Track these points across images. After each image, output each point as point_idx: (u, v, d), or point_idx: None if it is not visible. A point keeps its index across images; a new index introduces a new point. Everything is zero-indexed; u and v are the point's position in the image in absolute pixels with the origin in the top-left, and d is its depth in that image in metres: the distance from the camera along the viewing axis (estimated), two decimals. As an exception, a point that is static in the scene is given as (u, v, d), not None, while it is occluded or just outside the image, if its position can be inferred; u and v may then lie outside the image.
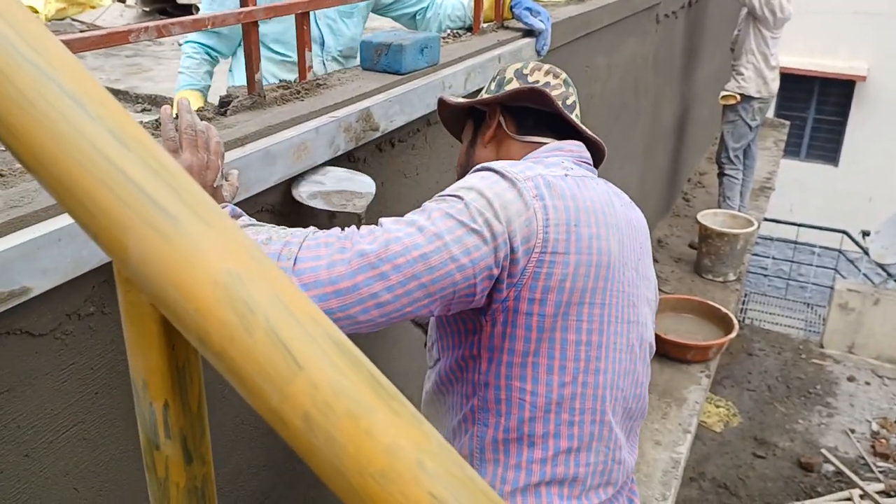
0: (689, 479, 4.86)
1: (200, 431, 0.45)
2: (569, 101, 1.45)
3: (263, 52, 2.34)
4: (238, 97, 1.53)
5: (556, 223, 1.15)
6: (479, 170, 1.21)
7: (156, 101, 4.23)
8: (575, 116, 1.44)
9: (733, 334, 3.76)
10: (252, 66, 1.48)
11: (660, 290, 4.46)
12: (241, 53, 2.42)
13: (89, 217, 0.37)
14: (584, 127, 1.42)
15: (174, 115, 1.17)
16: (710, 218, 4.64)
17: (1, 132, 0.38)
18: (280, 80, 1.80)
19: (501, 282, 1.14)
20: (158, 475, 0.45)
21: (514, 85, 1.45)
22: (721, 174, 5.28)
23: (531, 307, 1.17)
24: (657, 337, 3.54)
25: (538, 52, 2.29)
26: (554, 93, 1.42)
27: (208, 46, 2.26)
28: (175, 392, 0.43)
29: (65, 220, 1.01)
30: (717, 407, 5.58)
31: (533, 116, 1.42)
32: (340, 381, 0.36)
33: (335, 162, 1.55)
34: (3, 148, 0.38)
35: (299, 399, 0.36)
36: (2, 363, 0.99)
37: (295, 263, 1.05)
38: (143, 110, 4.14)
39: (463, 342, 1.26)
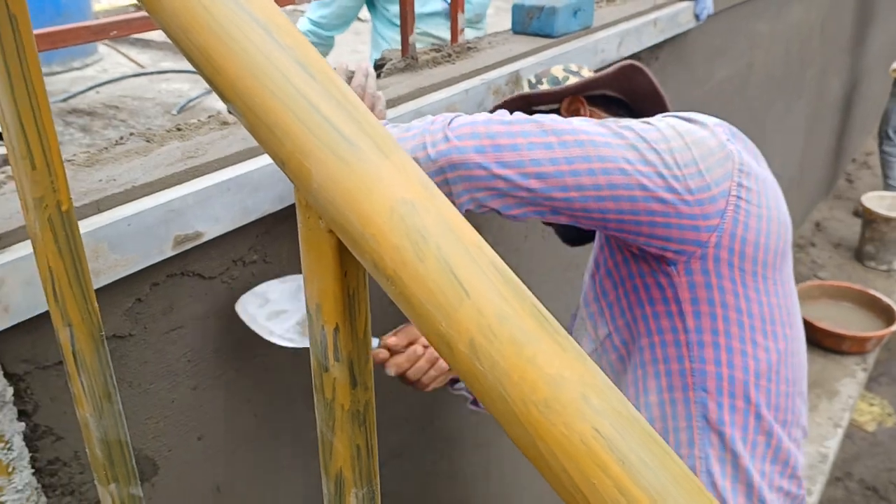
0: (835, 479, 4.57)
1: (365, 358, 0.47)
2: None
3: (385, 21, 2.39)
4: (392, 60, 1.57)
5: (747, 171, 1.07)
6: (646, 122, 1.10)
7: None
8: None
9: (895, 327, 3.48)
10: (406, 28, 1.51)
11: (816, 276, 4.19)
12: (375, 34, 2.49)
13: (278, 143, 0.39)
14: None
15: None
16: (876, 201, 4.28)
17: (203, 66, 0.41)
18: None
19: (698, 227, 1.03)
20: (326, 396, 0.48)
21: (572, 80, 1.31)
22: (880, 151, 4.86)
23: (732, 258, 1.07)
24: (809, 324, 3.34)
25: (697, 17, 2.19)
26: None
27: (320, 25, 2.36)
28: (345, 317, 0.45)
29: (233, 171, 1.08)
30: (871, 405, 5.19)
31: (614, 103, 1.30)
32: (505, 309, 0.37)
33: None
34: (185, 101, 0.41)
35: (465, 325, 0.37)
36: (176, 302, 1.08)
37: (450, 123, 1.00)
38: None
39: (653, 299, 1.13)
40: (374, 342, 1.16)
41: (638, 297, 1.16)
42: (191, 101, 3.87)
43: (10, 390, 0.87)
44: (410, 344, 1.19)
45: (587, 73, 1.35)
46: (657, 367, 1.16)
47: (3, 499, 0.89)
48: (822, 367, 3.45)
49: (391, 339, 1.18)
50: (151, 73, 4.67)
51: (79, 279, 0.62)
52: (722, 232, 1.05)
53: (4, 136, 0.58)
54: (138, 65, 4.91)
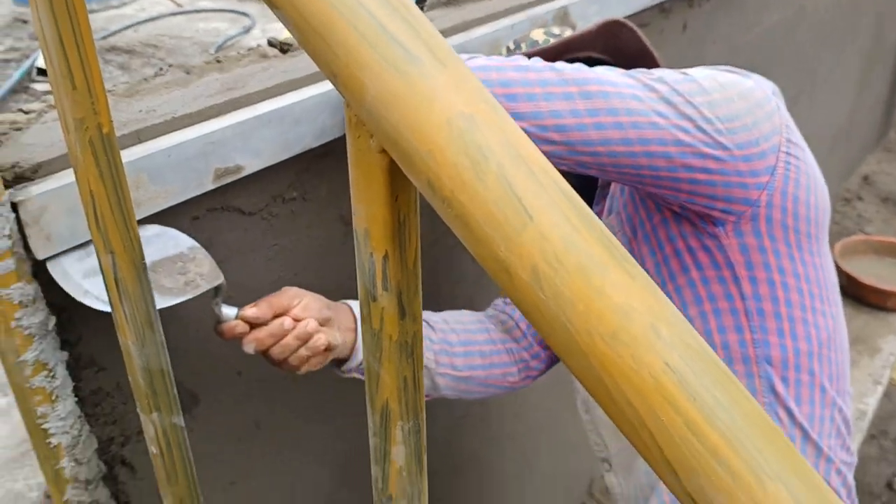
0: (870, 436, 4.53)
1: (414, 288, 0.45)
2: None
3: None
4: (435, -6, 1.51)
5: (792, 128, 1.01)
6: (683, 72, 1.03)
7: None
8: None
9: (944, 284, 3.38)
10: (451, -39, 1.46)
11: (862, 231, 4.08)
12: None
13: (331, 55, 0.37)
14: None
15: None
16: (931, 154, 4.12)
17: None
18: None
19: (746, 184, 0.96)
20: (373, 326, 0.46)
21: (550, 41, 1.20)
22: None
23: (785, 218, 1.00)
24: (853, 279, 3.26)
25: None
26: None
27: None
28: (395, 244, 0.43)
29: (274, 103, 1.06)
30: (912, 364, 5.11)
31: (601, 66, 1.21)
32: (572, 235, 0.34)
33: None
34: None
35: (528, 250, 0.34)
36: (217, 236, 1.07)
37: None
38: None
39: (701, 264, 1.05)
40: (232, 312, 0.98)
41: (682, 261, 1.06)
42: (229, 39, 3.84)
43: (53, 319, 0.87)
44: (277, 317, 1.01)
45: (567, 33, 1.24)
46: (712, 339, 1.07)
47: (47, 426, 0.90)
48: (865, 323, 3.38)
49: (250, 311, 0.99)
50: (189, 11, 4.64)
51: (120, 205, 0.61)
52: (773, 190, 0.98)
53: (44, 54, 0.56)
54: (176, 3, 4.87)
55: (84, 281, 0.85)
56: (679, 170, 0.92)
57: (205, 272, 0.94)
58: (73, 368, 0.95)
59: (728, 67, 1.03)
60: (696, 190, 0.96)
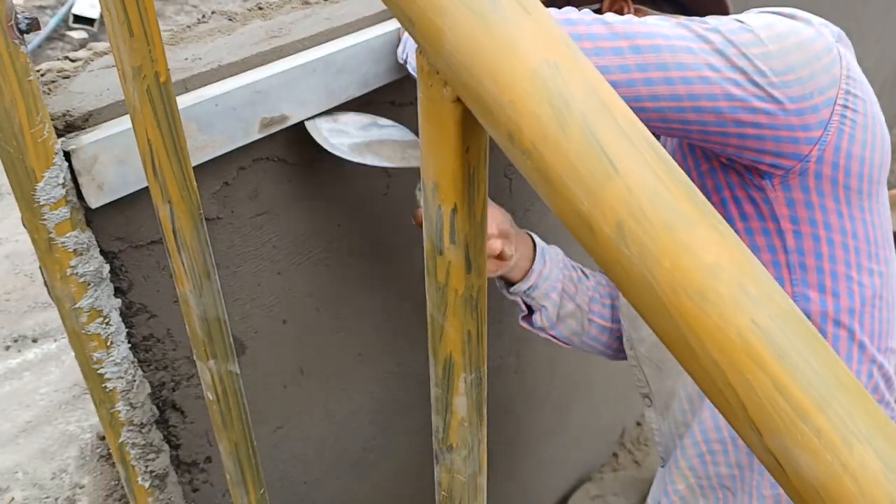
0: None
1: (481, 242, 0.45)
2: None
3: None
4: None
5: (854, 77, 0.97)
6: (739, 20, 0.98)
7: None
8: None
9: None
10: None
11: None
12: None
13: (410, 1, 0.35)
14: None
15: None
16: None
17: None
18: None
19: (797, 138, 0.94)
20: (438, 280, 0.45)
21: None
22: None
23: (836, 174, 0.97)
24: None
25: None
26: None
27: None
28: (464, 196, 0.42)
29: (318, 52, 1.04)
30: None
31: (665, 1, 1.14)
32: (658, 189, 0.33)
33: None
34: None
35: (612, 204, 0.33)
36: (262, 187, 1.07)
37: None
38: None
39: (746, 214, 1.03)
40: None
41: (728, 211, 1.05)
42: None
43: (107, 267, 0.89)
44: None
45: None
46: None
47: (102, 371, 0.92)
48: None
49: None
50: (220, -42, 4.58)
51: (177, 154, 0.61)
52: (825, 145, 0.95)
53: (101, 1, 0.55)
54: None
55: (328, 135, 1.05)
56: (728, 124, 0.90)
57: (419, 155, 1.04)
58: (126, 315, 0.96)
59: (792, 11, 0.98)
60: (744, 144, 0.93)
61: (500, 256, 1.14)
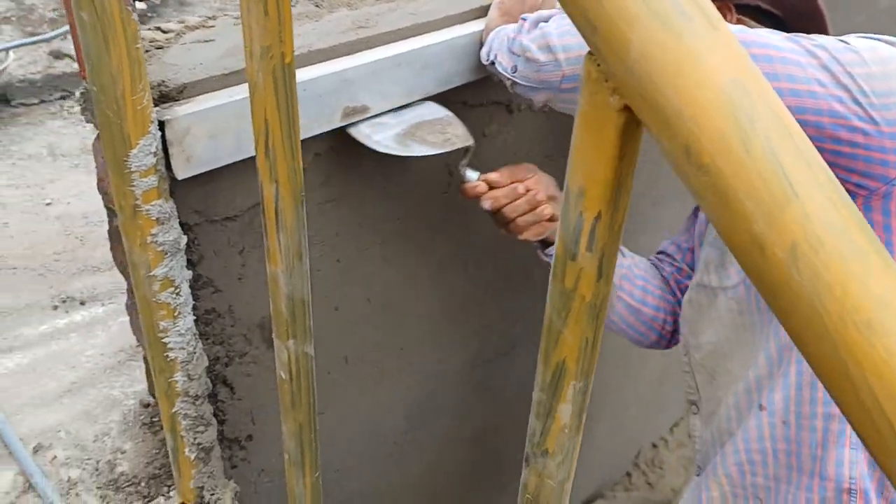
0: None
1: (614, 251, 0.45)
2: None
3: None
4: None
5: None
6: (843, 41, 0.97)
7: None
8: None
9: None
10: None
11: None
12: None
13: (594, 4, 0.36)
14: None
15: None
16: None
17: None
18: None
19: (887, 161, 0.94)
20: (566, 285, 0.46)
21: None
22: None
23: None
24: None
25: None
26: None
27: None
28: (609, 205, 0.42)
29: (404, 46, 1.05)
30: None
31: (767, 17, 1.15)
32: (833, 217, 0.33)
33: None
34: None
35: (790, 227, 0.33)
36: (332, 174, 1.08)
37: None
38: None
39: None
40: (475, 175, 1.11)
41: None
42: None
43: (185, 239, 0.90)
44: (513, 183, 1.13)
45: None
46: None
47: (167, 340, 0.93)
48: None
49: (493, 175, 1.12)
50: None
51: (290, 136, 0.62)
52: None
53: (241, -23, 0.56)
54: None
55: (372, 133, 1.05)
56: (826, 140, 0.92)
57: (459, 134, 1.10)
58: (193, 288, 0.97)
59: (888, 38, 0.99)
60: (835, 161, 0.95)
61: (551, 219, 1.16)
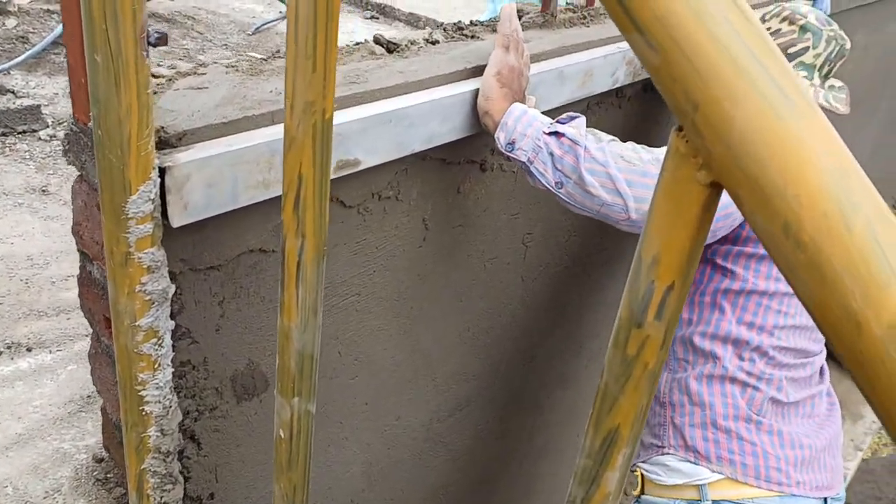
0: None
1: (677, 319, 0.46)
2: (793, 49, 1.35)
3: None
4: (528, 13, 1.53)
5: None
6: None
7: (384, 11, 4.34)
8: (813, 69, 1.33)
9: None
10: (552, -16, 1.47)
11: None
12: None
13: (698, 83, 0.37)
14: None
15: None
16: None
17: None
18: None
19: None
20: (628, 352, 0.46)
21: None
22: None
23: None
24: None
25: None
26: (778, 41, 1.33)
27: None
28: (682, 275, 0.43)
29: (394, 103, 1.06)
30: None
31: None
32: (928, 300, 0.35)
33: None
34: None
35: (889, 307, 0.35)
36: (315, 224, 1.07)
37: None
38: (372, 18, 4.27)
39: None
40: None
41: None
42: (266, 23, 3.81)
43: (173, 288, 0.86)
44: None
45: (775, 25, 1.41)
46: None
47: (144, 393, 0.88)
48: (849, 388, 3.45)
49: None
50: (221, -12, 4.60)
51: (322, 191, 0.61)
52: None
53: (291, 31, 0.56)
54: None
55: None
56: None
57: None
58: (172, 338, 0.93)
59: None
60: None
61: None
